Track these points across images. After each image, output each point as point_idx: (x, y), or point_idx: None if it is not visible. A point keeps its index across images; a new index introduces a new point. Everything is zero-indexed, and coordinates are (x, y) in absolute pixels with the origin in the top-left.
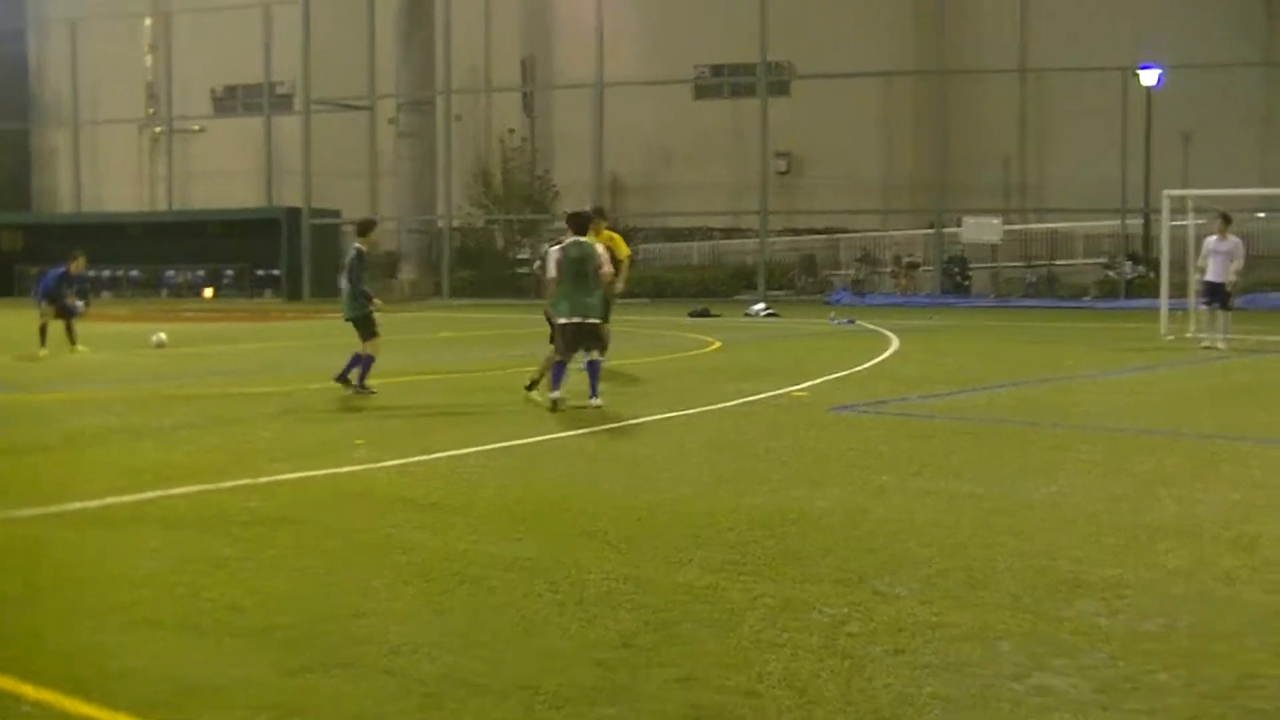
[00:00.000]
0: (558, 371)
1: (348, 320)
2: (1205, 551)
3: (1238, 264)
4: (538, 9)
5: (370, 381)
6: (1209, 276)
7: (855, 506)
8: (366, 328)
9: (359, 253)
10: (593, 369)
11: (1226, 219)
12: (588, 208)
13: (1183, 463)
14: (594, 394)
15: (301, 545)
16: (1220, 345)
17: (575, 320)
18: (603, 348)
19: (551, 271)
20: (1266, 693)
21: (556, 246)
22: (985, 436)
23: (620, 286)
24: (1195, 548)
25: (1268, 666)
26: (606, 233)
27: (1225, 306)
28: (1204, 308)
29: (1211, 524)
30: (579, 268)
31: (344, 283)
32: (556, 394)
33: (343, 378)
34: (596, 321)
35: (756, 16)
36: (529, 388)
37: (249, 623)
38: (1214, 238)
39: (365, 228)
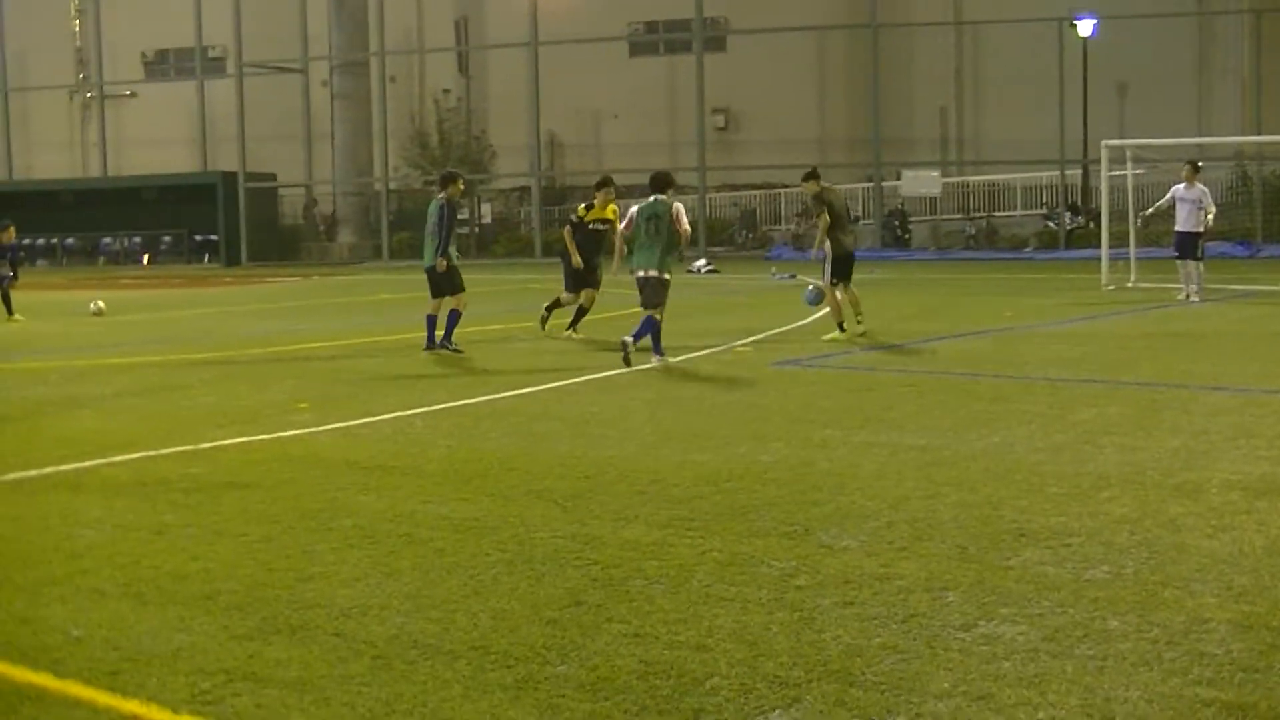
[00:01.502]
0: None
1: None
2: (1149, 499)
3: (1210, 210)
4: None
5: (295, 346)
6: (1179, 226)
7: (800, 460)
8: (452, 283)
9: (443, 205)
10: (646, 325)
11: (1195, 166)
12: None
13: (1124, 411)
14: (634, 340)
15: (245, 511)
16: (1195, 298)
17: (639, 274)
18: (658, 304)
19: (621, 225)
20: (1215, 636)
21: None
22: (927, 389)
23: (616, 264)
24: (1139, 495)
25: (1215, 610)
26: (611, 205)
27: (1196, 257)
28: (1178, 259)
29: (1155, 471)
30: (651, 225)
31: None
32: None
33: (443, 343)
34: (656, 274)
35: None
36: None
37: (193, 589)
38: (1181, 186)
39: (445, 181)
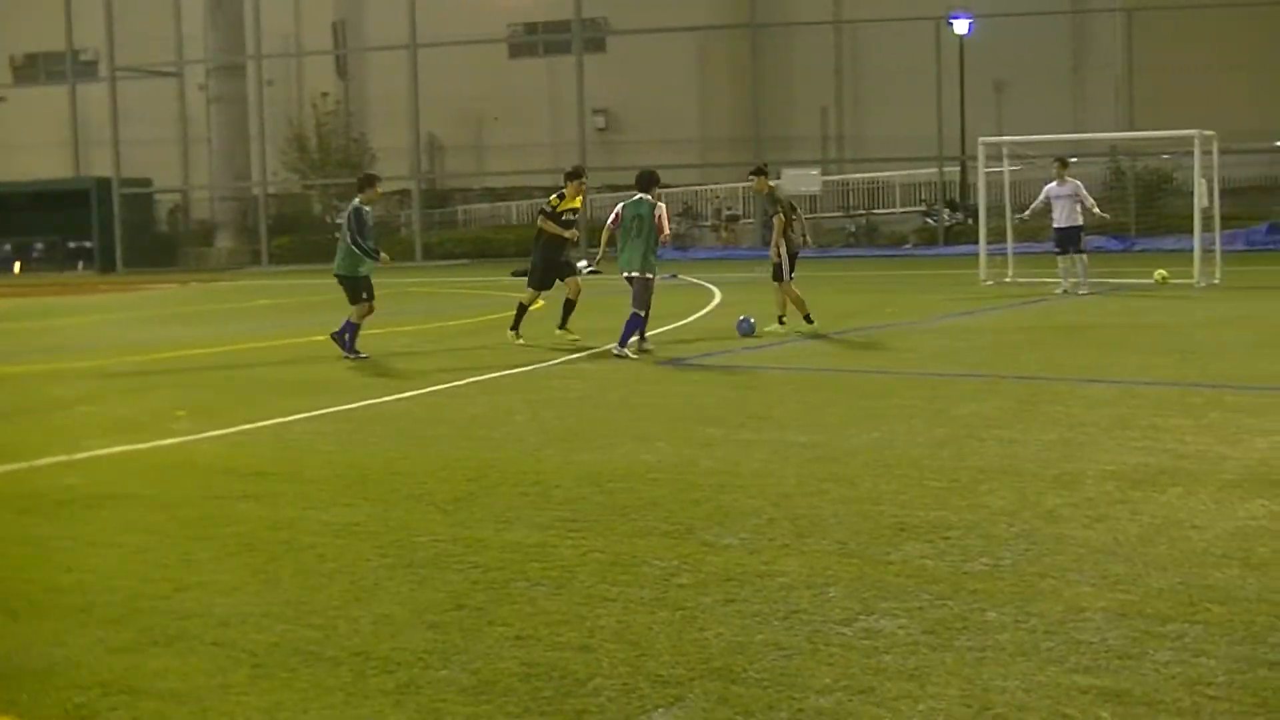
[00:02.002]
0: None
1: (338, 277)
2: (1028, 491)
3: (1090, 202)
4: None
5: (173, 354)
6: (1057, 223)
7: (682, 459)
8: (355, 289)
9: (357, 209)
10: (631, 324)
11: (1064, 162)
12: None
13: (1004, 404)
14: (621, 346)
15: (122, 521)
16: (1082, 290)
17: (626, 274)
18: (645, 304)
19: (609, 221)
20: (1092, 625)
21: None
22: (809, 386)
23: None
24: (1018, 487)
25: (1092, 599)
26: (580, 196)
27: (1079, 250)
28: (1058, 254)
29: (1033, 463)
30: (635, 224)
31: (345, 239)
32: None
33: (348, 347)
34: (639, 274)
35: None
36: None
37: (69, 602)
38: (1053, 184)
39: (364, 184)
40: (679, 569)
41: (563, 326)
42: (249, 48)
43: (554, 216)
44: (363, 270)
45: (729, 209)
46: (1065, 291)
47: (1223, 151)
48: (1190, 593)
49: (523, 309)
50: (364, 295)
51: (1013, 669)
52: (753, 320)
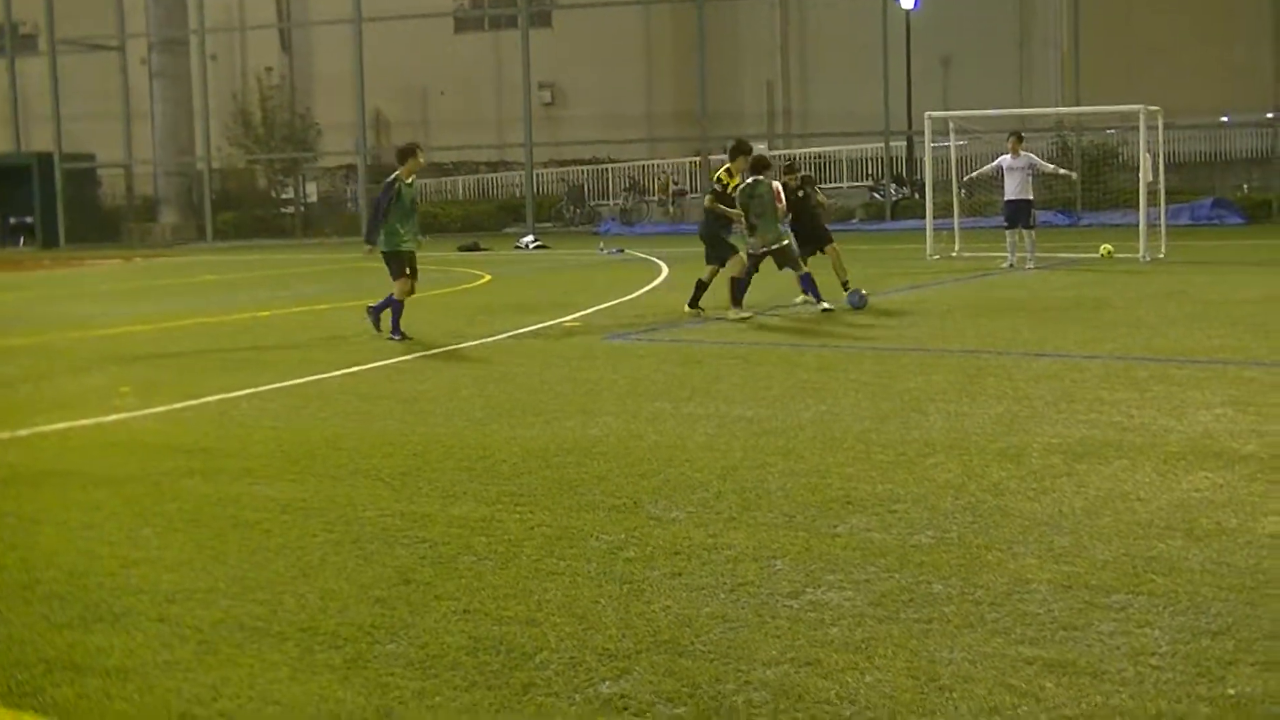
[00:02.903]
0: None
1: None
2: (973, 464)
3: (1050, 167)
4: None
5: (117, 330)
6: (1009, 195)
7: (629, 433)
8: (398, 265)
9: (389, 183)
10: (806, 281)
11: (1019, 136)
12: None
13: (950, 378)
14: (818, 299)
15: (66, 498)
16: (1029, 264)
17: (771, 247)
18: (794, 264)
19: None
20: (1037, 597)
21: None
22: (755, 360)
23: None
24: (964, 461)
25: (1037, 571)
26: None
27: (1028, 225)
28: (1007, 229)
29: (979, 437)
30: (758, 203)
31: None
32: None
33: (394, 327)
34: (786, 242)
35: None
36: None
37: (11, 579)
38: (1007, 157)
39: (403, 155)
40: (625, 543)
41: (694, 305)
42: (192, 22)
43: (724, 197)
44: (404, 246)
45: (676, 184)
46: (1011, 266)
47: (1168, 127)
48: (1134, 564)
49: (702, 285)
50: (406, 271)
51: (958, 640)
52: (864, 292)
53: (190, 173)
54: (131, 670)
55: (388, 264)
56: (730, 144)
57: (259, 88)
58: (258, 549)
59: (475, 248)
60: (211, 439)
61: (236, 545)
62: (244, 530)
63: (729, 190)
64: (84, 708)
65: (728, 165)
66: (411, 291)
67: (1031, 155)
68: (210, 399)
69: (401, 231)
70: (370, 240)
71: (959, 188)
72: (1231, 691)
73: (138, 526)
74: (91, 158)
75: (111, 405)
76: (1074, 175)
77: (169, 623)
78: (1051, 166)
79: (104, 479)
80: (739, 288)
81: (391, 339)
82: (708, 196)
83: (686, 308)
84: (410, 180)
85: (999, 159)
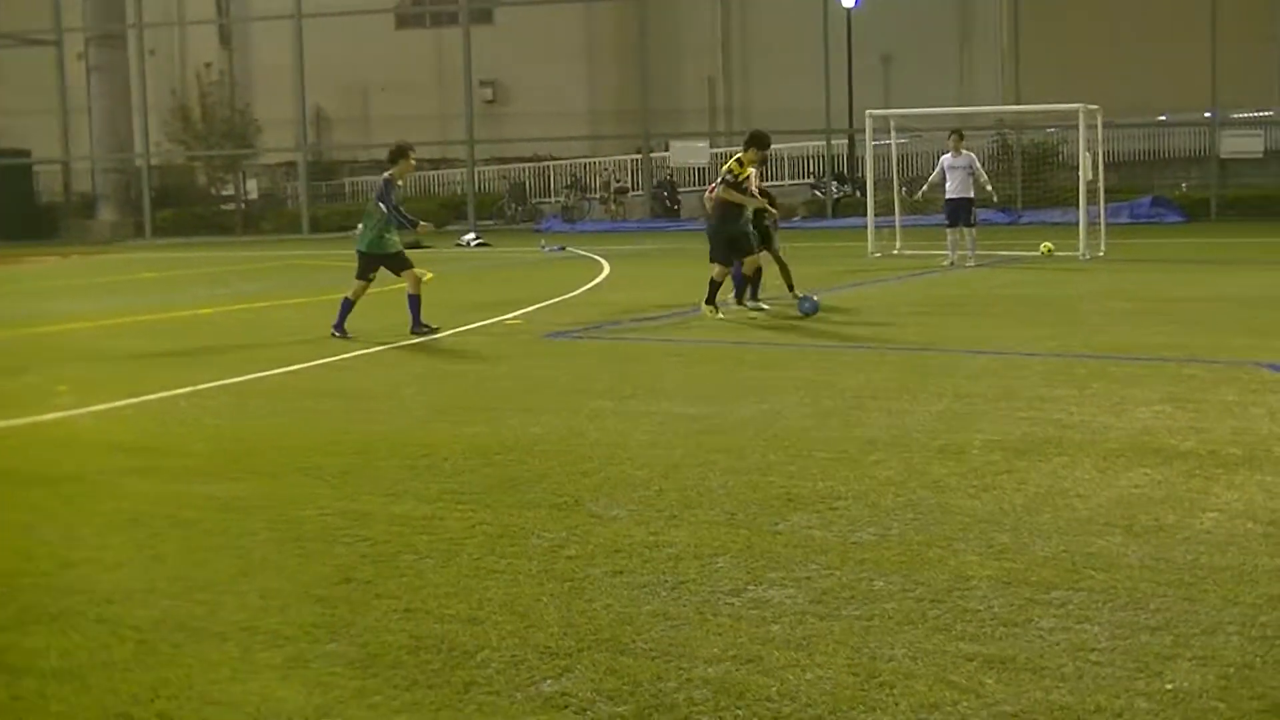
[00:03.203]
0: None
1: (365, 254)
2: (915, 461)
3: (985, 179)
4: None
5: (54, 328)
6: (950, 194)
7: (570, 431)
8: (399, 263)
9: (387, 181)
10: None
11: (960, 134)
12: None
13: (891, 376)
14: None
15: (3, 498)
16: (970, 263)
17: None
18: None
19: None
20: (977, 593)
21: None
22: (697, 358)
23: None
24: (905, 458)
25: (977, 568)
26: None
27: (969, 223)
28: (948, 227)
29: (920, 434)
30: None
31: (379, 210)
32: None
33: (417, 327)
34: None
35: None
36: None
37: None
38: (948, 155)
39: (396, 155)
40: (567, 540)
41: (740, 300)
42: (130, 16)
43: (737, 186)
44: (391, 248)
45: (618, 181)
46: (952, 264)
47: (1107, 125)
48: (1074, 560)
49: (743, 280)
50: (408, 264)
51: (899, 637)
52: (816, 298)
53: (129, 169)
54: (68, 671)
55: (390, 264)
56: (748, 134)
57: (198, 84)
58: (197, 548)
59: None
60: (151, 437)
61: (176, 545)
62: (184, 529)
63: (739, 180)
64: (20, 709)
65: (739, 155)
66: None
67: (972, 155)
68: (150, 397)
69: (389, 234)
70: (413, 224)
71: (901, 190)
72: (1170, 686)
73: (76, 526)
74: (27, 154)
75: (49, 404)
76: (994, 199)
77: (107, 623)
78: (986, 179)
79: (41, 478)
80: (742, 284)
81: (419, 330)
82: (719, 187)
83: (703, 306)
84: (401, 182)
85: (941, 159)
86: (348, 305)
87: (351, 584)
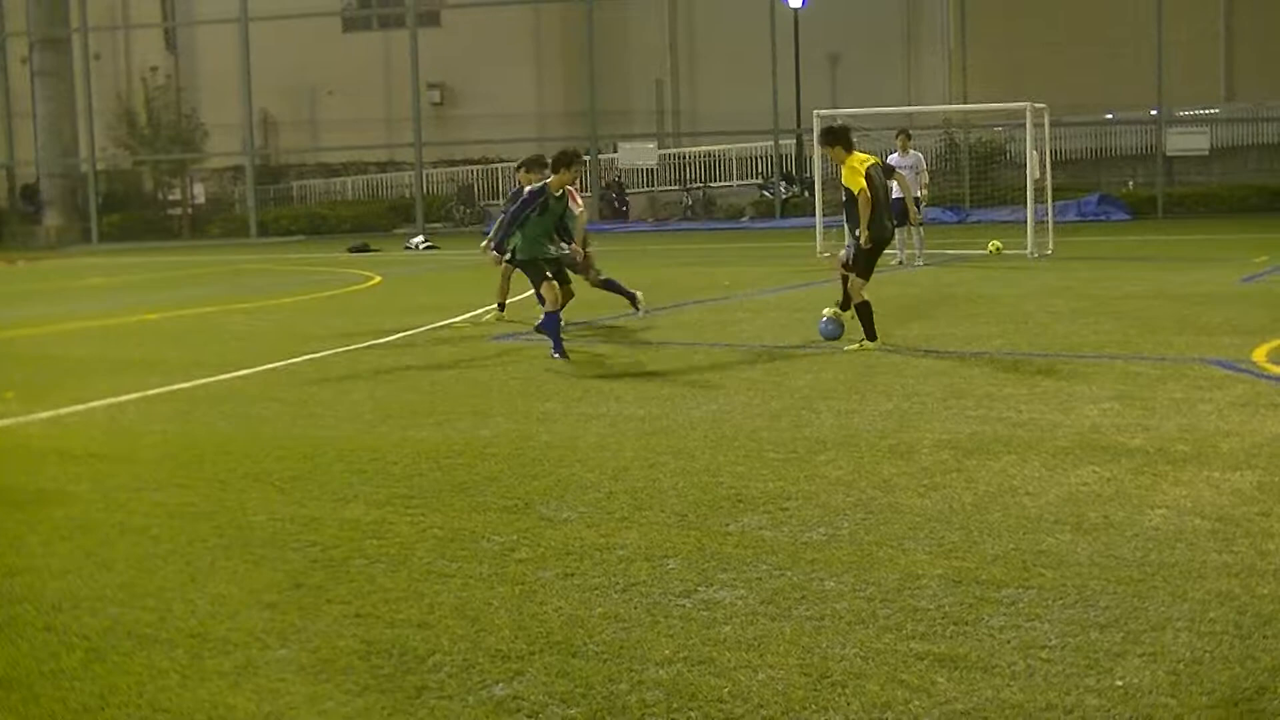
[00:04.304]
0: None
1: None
2: (864, 461)
3: (924, 178)
4: None
5: (16, 332)
6: (896, 194)
7: (520, 434)
8: (538, 272)
9: (534, 193)
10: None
11: (907, 134)
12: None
13: (840, 376)
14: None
15: None
16: (919, 261)
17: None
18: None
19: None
20: (928, 592)
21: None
22: (648, 359)
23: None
24: (854, 458)
25: (928, 566)
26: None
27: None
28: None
29: (869, 434)
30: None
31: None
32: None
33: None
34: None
35: None
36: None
37: None
38: (895, 155)
39: (557, 164)
40: (517, 544)
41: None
42: (74, 20)
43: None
44: (546, 253)
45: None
46: (901, 263)
47: (1054, 124)
48: (1023, 558)
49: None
50: (548, 275)
51: (850, 637)
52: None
53: (75, 174)
54: (16, 680)
55: (530, 272)
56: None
57: (144, 88)
58: (146, 555)
59: (365, 249)
60: (99, 444)
61: (124, 552)
62: (132, 536)
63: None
64: None
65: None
66: (562, 298)
67: (919, 155)
68: (97, 403)
69: (544, 242)
70: (499, 248)
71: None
72: (1120, 683)
73: (23, 534)
74: None
75: None
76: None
77: (55, 631)
78: (926, 179)
79: None
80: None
81: (554, 357)
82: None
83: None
84: (560, 193)
85: (889, 158)
86: (553, 320)
87: (301, 590)
